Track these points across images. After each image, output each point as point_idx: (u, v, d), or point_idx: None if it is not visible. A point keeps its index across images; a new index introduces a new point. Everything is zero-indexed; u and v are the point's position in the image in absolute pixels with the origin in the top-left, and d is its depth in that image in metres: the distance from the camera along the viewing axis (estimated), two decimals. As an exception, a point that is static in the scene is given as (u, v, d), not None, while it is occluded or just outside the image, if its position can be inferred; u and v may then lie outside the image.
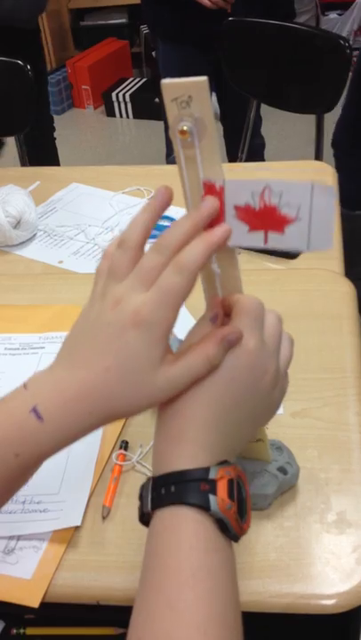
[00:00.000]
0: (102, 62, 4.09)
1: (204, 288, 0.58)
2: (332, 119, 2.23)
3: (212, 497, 0.50)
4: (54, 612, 0.75)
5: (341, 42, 1.74)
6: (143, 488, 0.54)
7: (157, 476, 0.53)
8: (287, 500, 0.77)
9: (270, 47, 1.90)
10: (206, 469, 0.51)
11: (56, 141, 2.53)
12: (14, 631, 0.84)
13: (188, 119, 0.50)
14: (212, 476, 0.51)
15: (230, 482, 0.51)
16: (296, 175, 1.39)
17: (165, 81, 0.49)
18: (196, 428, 0.52)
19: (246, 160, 2.10)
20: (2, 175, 1.48)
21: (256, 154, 2.28)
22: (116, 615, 0.78)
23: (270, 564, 0.71)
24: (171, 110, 0.50)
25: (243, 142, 2.08)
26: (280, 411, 0.87)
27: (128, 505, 0.78)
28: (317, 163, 1.44)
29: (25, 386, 0.53)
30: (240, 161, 2.08)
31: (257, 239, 0.53)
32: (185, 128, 0.51)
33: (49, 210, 1.38)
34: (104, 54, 4.12)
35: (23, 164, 1.97)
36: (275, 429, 0.82)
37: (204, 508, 0.50)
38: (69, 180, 1.48)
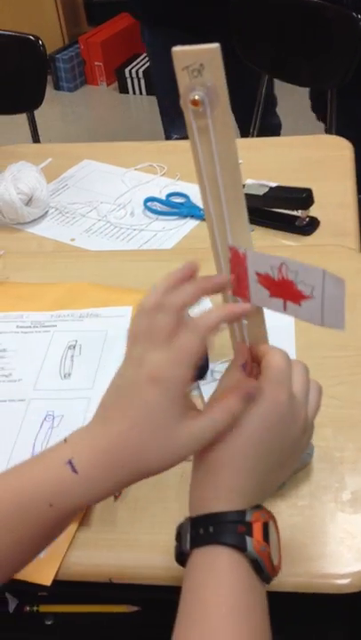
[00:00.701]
0: (115, 38, 4.04)
1: (230, 334, 0.61)
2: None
3: (248, 538, 0.53)
4: (67, 589, 0.75)
5: (353, 14, 1.70)
6: (181, 528, 0.57)
7: (196, 517, 0.56)
8: (302, 479, 0.76)
9: (279, 20, 1.86)
10: (243, 512, 0.54)
11: (69, 119, 2.50)
12: (27, 608, 0.84)
13: (200, 88, 0.49)
14: (248, 518, 0.54)
15: (265, 525, 0.54)
16: (312, 150, 1.37)
17: (176, 48, 0.47)
18: (233, 475, 0.55)
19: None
20: (13, 152, 1.47)
21: (273, 134, 2.24)
22: (129, 593, 0.79)
23: (284, 544, 0.69)
24: (182, 79, 0.49)
25: (255, 118, 2.04)
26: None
27: (140, 484, 0.77)
28: (333, 137, 1.41)
29: (65, 440, 0.56)
30: (252, 136, 2.05)
31: (277, 305, 0.56)
32: (197, 97, 0.49)
33: (61, 187, 1.37)
34: (117, 30, 4.07)
35: (35, 141, 1.96)
36: (289, 408, 0.80)
37: (241, 548, 0.53)
38: (81, 156, 1.46)
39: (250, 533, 0.53)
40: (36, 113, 1.95)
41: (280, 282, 0.54)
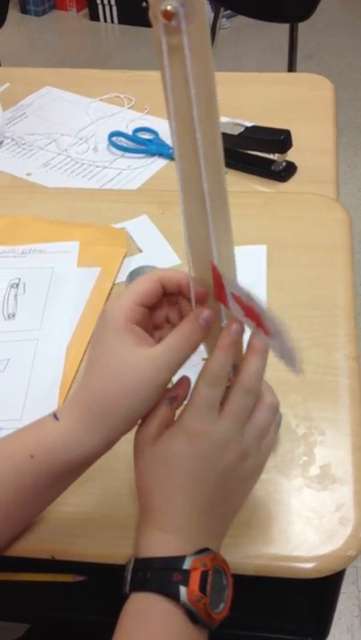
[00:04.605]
0: None
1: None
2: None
3: (182, 588, 0.52)
4: (7, 560, 0.69)
5: None
6: (127, 566, 0.55)
7: (137, 559, 0.55)
8: (266, 451, 0.70)
9: None
10: (182, 559, 0.53)
11: (34, 45, 2.36)
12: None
13: (173, -3, 0.40)
14: (185, 566, 0.53)
15: (204, 573, 0.52)
16: (291, 89, 1.27)
17: None
18: (171, 518, 0.55)
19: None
20: (-32, 74, 1.35)
21: None
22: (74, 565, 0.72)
23: (245, 522, 0.64)
24: (152, -15, 0.40)
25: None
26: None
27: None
28: (314, 76, 1.31)
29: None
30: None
31: (251, 326, 0.54)
32: (169, 8, 0.40)
33: (18, 115, 1.26)
34: None
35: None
36: (256, 371, 0.74)
37: (175, 598, 0.52)
38: (42, 83, 1.35)
39: (186, 582, 0.52)
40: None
41: (250, 308, 0.52)
